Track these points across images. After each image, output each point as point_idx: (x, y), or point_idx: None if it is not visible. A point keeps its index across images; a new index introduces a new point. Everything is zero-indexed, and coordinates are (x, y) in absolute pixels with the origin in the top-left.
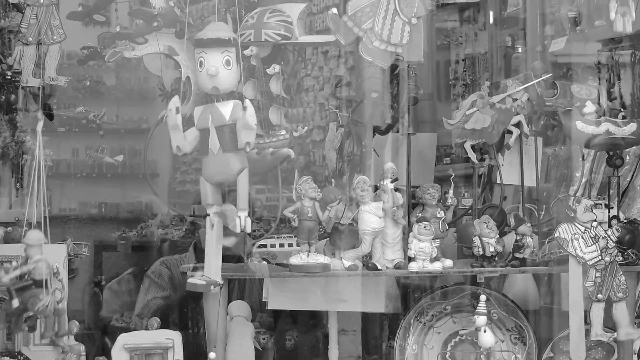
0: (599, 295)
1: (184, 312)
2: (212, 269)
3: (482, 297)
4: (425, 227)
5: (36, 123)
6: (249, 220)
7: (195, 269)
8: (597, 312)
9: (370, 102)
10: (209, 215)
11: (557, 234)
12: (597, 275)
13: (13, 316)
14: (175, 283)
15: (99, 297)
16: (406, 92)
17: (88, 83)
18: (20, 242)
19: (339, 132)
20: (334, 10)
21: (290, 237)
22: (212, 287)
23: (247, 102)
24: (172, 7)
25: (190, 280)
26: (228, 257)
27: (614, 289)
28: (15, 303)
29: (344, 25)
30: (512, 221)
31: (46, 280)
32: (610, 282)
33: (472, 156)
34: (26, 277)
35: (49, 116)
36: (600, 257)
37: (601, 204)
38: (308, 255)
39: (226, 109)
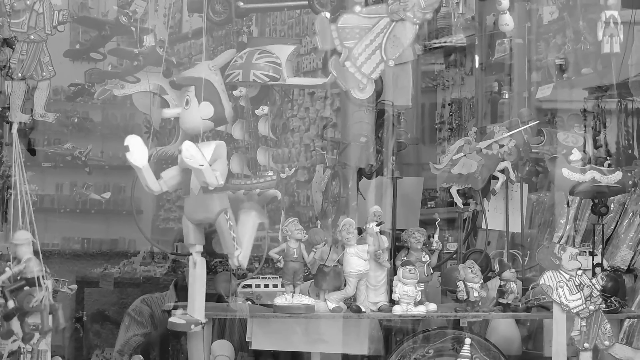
0: (586, 344)
1: (164, 350)
2: (196, 308)
3: (467, 341)
4: (409, 270)
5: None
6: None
7: (176, 307)
8: None
9: (357, 146)
10: (191, 254)
11: (541, 281)
12: (582, 324)
13: (9, 318)
14: (156, 321)
15: (79, 332)
16: (394, 137)
17: (76, 120)
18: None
19: (326, 174)
20: (327, 14)
21: (275, 277)
22: (192, 326)
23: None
24: (153, 47)
25: (171, 319)
26: (209, 295)
27: (600, 337)
28: (11, 304)
29: (329, 33)
30: (496, 266)
31: (38, 278)
32: (596, 330)
33: (458, 201)
34: (18, 277)
35: (31, 151)
36: (584, 306)
37: (585, 252)
38: (292, 297)
39: (208, 149)
